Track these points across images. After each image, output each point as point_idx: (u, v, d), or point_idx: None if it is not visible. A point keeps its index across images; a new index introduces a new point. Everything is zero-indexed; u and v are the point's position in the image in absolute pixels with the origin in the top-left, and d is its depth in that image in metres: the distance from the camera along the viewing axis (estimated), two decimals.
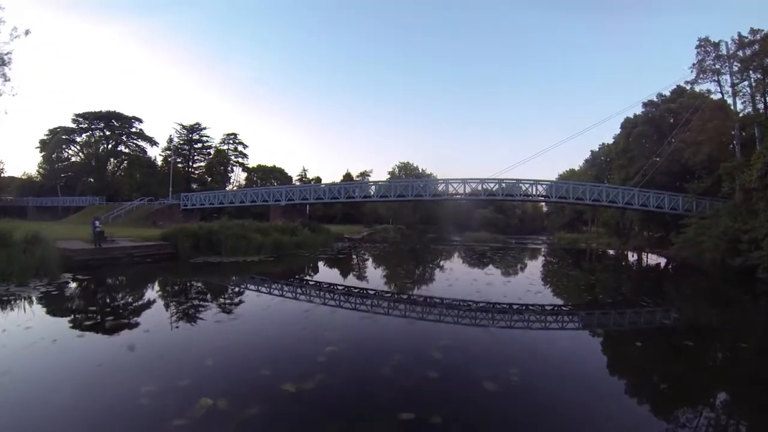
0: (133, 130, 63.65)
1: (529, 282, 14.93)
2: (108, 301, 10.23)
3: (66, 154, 63.38)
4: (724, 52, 24.50)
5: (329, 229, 34.23)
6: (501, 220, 76.24)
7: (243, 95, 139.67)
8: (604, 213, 44.59)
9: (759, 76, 22.77)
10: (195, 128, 65.60)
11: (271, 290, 11.93)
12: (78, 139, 63.15)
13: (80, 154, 63.62)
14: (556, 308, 10.93)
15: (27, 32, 21.53)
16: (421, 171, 73.28)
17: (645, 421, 4.47)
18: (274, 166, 72.08)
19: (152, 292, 11.63)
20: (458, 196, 33.18)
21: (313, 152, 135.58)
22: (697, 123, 24.65)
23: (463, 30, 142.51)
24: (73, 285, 11.28)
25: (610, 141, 46.23)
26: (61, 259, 12.93)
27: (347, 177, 72.02)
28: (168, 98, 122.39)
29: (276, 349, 6.52)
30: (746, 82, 23.79)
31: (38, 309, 8.58)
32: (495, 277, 16.24)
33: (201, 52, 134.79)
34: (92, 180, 60.93)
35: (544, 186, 30.90)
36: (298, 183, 69.02)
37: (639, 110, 35.14)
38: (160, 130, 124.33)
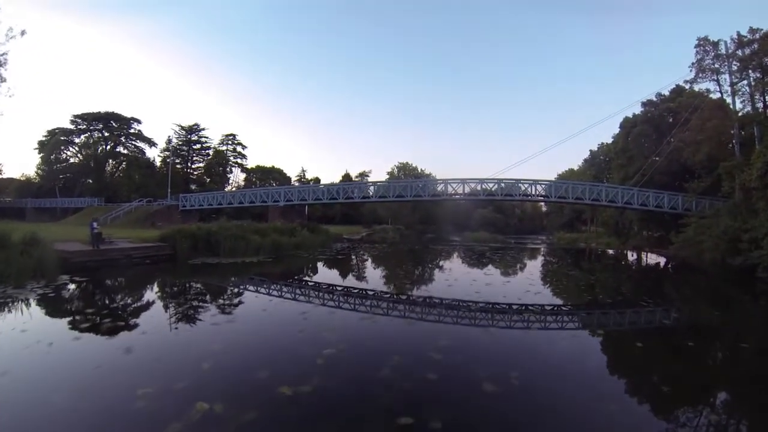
0: (132, 131, 63.69)
1: (528, 282, 14.89)
2: (105, 302, 10.16)
3: (64, 156, 63.42)
4: (723, 51, 24.47)
5: (328, 230, 34.20)
6: (500, 219, 76.22)
7: (242, 96, 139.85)
8: (603, 213, 44.63)
9: (758, 75, 22.73)
10: (194, 129, 65.60)
11: (270, 291, 11.88)
12: (76, 140, 63.20)
13: (79, 155, 63.61)
14: (555, 308, 10.88)
15: (23, 33, 21.38)
16: (420, 171, 73.31)
17: (646, 422, 4.45)
18: (273, 167, 72.09)
19: (150, 294, 11.56)
20: (457, 196, 33.11)
21: (312, 153, 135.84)
22: (697, 122, 24.61)
23: (462, 30, 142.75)
24: (70, 287, 11.22)
25: (609, 141, 46.34)
26: (58, 260, 12.89)
27: (346, 177, 72.05)
28: (167, 99, 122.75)
29: (274, 351, 6.48)
30: (745, 82, 23.76)
31: (35, 311, 8.53)
32: (494, 278, 16.21)
33: (200, 53, 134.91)
34: (91, 181, 60.91)
35: (543, 186, 30.87)
36: (296, 183, 69.01)
37: (638, 110, 35.24)
38: (158, 131, 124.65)
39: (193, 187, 60.48)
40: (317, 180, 73.90)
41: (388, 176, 73.68)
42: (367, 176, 74.43)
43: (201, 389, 4.62)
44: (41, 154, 61.75)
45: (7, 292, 9.72)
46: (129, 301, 10.51)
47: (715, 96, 26.21)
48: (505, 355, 6.77)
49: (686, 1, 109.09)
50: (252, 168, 70.29)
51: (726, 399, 5.49)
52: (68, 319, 8.17)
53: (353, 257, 24.48)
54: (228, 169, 68.77)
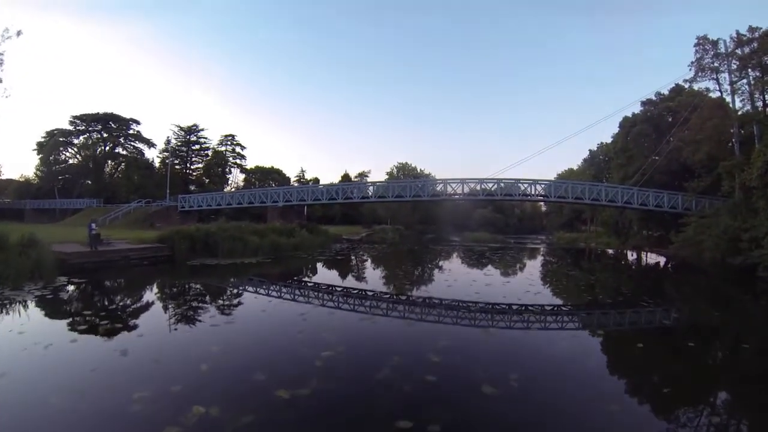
0: (131, 132, 63.60)
1: (528, 282, 14.86)
2: (103, 304, 10.11)
3: (63, 157, 63.33)
4: (723, 50, 24.45)
5: (327, 230, 34.17)
6: (500, 219, 76.23)
7: (241, 96, 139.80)
8: (602, 212, 44.60)
9: (758, 74, 22.69)
10: (192, 130, 65.46)
11: (269, 292, 11.85)
12: (75, 142, 63.14)
13: (78, 156, 63.53)
14: (555, 308, 10.85)
15: (19, 33, 21.19)
16: (419, 171, 73.18)
17: (646, 423, 4.42)
18: (272, 167, 71.97)
19: (148, 295, 11.50)
20: (457, 197, 33.07)
21: (312, 153, 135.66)
22: (696, 121, 24.58)
23: (461, 30, 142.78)
24: (68, 288, 11.17)
25: (609, 140, 46.31)
26: (56, 262, 12.82)
27: (345, 178, 71.91)
28: (166, 100, 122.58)
29: (272, 352, 6.43)
30: (745, 80, 23.74)
31: (33, 313, 8.47)
32: (494, 278, 16.18)
33: (199, 54, 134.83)
34: (90, 182, 60.81)
35: (542, 185, 30.83)
36: (296, 184, 68.88)
37: (637, 109, 35.27)
38: (157, 132, 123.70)
39: (192, 187, 60.37)
40: (316, 180, 73.77)
41: (387, 176, 73.58)
42: (367, 176, 74.30)
43: (198, 392, 4.57)
44: (40, 155, 61.66)
45: (4, 294, 9.66)
46: (127, 302, 10.46)
47: (715, 95, 26.23)
48: (505, 356, 6.73)
49: (686, 1, 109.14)
50: (251, 168, 70.18)
51: (727, 399, 5.46)
52: (66, 320, 8.13)
53: (353, 258, 24.45)
54: (227, 170, 68.66)
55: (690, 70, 25.96)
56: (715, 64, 25.04)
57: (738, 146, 23.14)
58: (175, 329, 7.73)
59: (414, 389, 4.83)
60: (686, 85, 28.63)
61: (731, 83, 24.37)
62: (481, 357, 6.41)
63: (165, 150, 61.86)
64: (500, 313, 9.82)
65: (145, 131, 66.98)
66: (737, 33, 23.58)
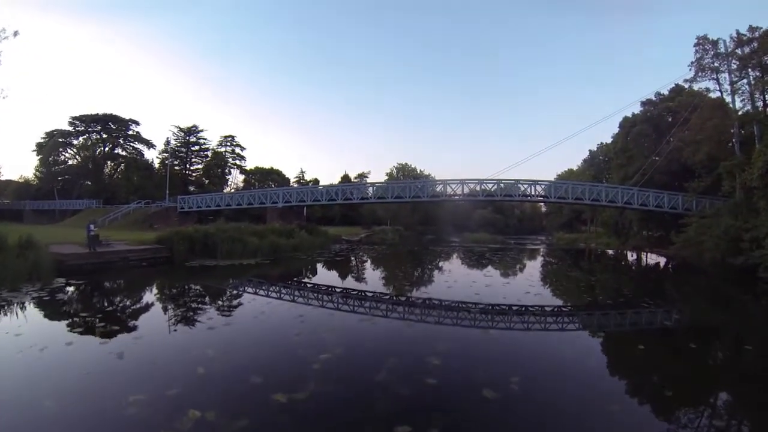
0: (130, 132, 63.50)
1: (528, 283, 14.81)
2: (100, 306, 10.04)
3: (63, 157, 63.23)
4: (723, 50, 24.39)
5: (327, 231, 34.14)
6: (500, 220, 76.10)
7: (241, 97, 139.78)
8: (602, 213, 44.55)
9: (758, 74, 22.63)
10: (192, 130, 65.37)
11: (268, 293, 11.80)
12: (75, 142, 63.04)
13: (77, 157, 63.42)
14: (556, 310, 10.80)
15: (16, 33, 21.09)
16: (419, 172, 73.11)
17: (647, 424, 4.38)
18: (272, 168, 71.84)
19: (146, 297, 11.42)
20: (456, 197, 33.01)
21: (311, 154, 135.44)
22: (696, 121, 24.54)
23: (461, 30, 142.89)
24: (65, 290, 11.12)
25: (609, 140, 46.27)
26: (53, 263, 12.77)
27: (345, 179, 71.80)
28: (165, 101, 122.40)
29: (270, 355, 6.37)
30: (745, 80, 23.67)
31: (29, 315, 8.42)
32: (494, 279, 16.12)
33: (199, 55, 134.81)
34: (89, 183, 60.72)
35: (542, 186, 30.78)
36: (295, 185, 68.80)
37: (637, 109, 35.24)
38: (157, 133, 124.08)
39: (191, 188, 60.30)
40: (316, 181, 73.62)
41: (387, 177, 73.50)
42: (366, 177, 74.15)
43: (194, 395, 4.52)
44: (39, 156, 61.58)
45: (2, 296, 9.63)
46: (124, 304, 10.40)
47: (715, 95, 26.15)
48: (505, 357, 6.69)
49: (686, 1, 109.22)
50: (251, 169, 70.07)
51: (727, 399, 5.43)
52: (62, 322, 8.08)
53: (352, 259, 24.39)
54: (227, 171, 68.58)
55: (690, 70, 25.94)
56: (715, 64, 24.99)
57: (738, 146, 23.09)
58: (173, 331, 7.68)
59: (413, 392, 4.77)
60: (686, 85, 28.57)
61: (731, 83, 24.31)
62: (482, 359, 6.36)
63: (164, 151, 61.85)
64: (500, 314, 9.76)
65: (145, 132, 67.23)
66: (737, 33, 23.54)
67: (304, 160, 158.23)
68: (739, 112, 24.01)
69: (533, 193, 30.92)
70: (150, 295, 11.81)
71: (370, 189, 38.22)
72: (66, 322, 8.12)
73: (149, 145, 64.33)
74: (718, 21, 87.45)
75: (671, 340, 8.25)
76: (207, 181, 63.30)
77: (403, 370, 5.52)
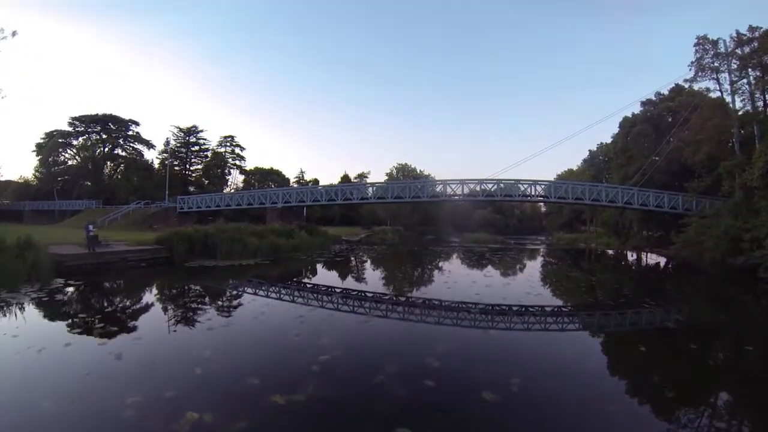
0: (130, 133, 63.44)
1: (528, 284, 14.79)
2: (99, 307, 10.03)
3: (62, 158, 63.11)
4: (723, 49, 24.36)
5: (326, 232, 34.11)
6: (500, 220, 76.10)
7: (240, 97, 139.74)
8: (602, 213, 44.53)
9: (758, 73, 22.59)
10: (192, 131, 65.31)
11: (267, 294, 11.78)
12: (74, 143, 62.92)
13: (77, 157, 63.31)
14: (556, 310, 10.78)
15: (14, 33, 21.01)
16: (419, 172, 73.12)
17: (647, 424, 4.37)
18: (272, 169, 71.80)
19: (145, 298, 11.40)
20: (456, 197, 33.00)
21: (311, 154, 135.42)
22: (696, 121, 24.50)
23: (461, 31, 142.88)
24: (64, 290, 11.10)
25: (609, 140, 46.24)
26: (52, 264, 12.75)
27: (345, 179, 71.74)
28: (165, 101, 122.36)
29: (268, 357, 6.34)
30: (745, 80, 23.62)
31: (28, 316, 8.41)
32: (494, 279, 16.10)
33: (199, 55, 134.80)
34: (89, 183, 60.59)
35: (542, 186, 30.76)
36: (295, 185, 68.77)
37: (637, 109, 35.20)
38: (156, 133, 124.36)
39: (191, 189, 60.23)
40: (316, 181, 73.57)
41: (386, 177, 73.50)
42: (366, 177, 74.08)
43: (192, 397, 4.50)
44: (39, 157, 61.51)
45: (0, 296, 9.61)
46: (123, 305, 10.37)
47: (715, 95, 26.10)
48: (505, 358, 6.66)
49: (686, 1, 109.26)
50: (250, 170, 70.02)
51: (727, 400, 5.42)
52: (61, 323, 8.07)
53: (352, 259, 24.37)
54: (226, 171, 68.54)
55: (690, 70, 25.89)
56: (715, 64, 24.94)
57: (738, 146, 23.06)
58: (172, 332, 7.66)
59: (413, 393, 4.75)
60: (686, 85, 28.53)
61: (731, 83, 24.27)
62: (482, 359, 6.34)
63: (164, 151, 61.81)
64: (500, 314, 9.74)
65: (145, 132, 67.09)
66: (737, 33, 23.50)
67: (304, 160, 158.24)
68: (739, 112, 23.99)
69: (533, 193, 30.89)
70: (149, 296, 11.79)
71: (370, 189, 38.16)
72: (65, 322, 8.10)
73: (149, 145, 64.31)
74: (718, 21, 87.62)
75: (671, 340, 8.22)
76: (207, 181, 63.24)
77: (402, 370, 5.50)
